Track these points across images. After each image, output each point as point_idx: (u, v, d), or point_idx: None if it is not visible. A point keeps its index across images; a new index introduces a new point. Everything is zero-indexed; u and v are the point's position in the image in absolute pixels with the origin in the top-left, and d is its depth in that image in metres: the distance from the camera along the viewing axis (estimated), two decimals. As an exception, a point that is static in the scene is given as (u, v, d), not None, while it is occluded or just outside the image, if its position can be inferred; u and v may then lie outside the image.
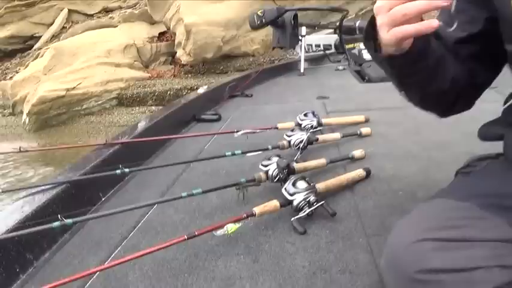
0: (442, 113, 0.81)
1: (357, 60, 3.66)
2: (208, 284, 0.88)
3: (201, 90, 2.58)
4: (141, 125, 1.85)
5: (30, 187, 1.23)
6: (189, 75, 6.48)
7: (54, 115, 5.88)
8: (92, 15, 10.93)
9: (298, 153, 1.53)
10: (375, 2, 0.59)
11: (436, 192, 0.71)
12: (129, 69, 6.24)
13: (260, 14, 2.98)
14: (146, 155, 1.69)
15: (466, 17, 0.72)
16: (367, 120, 1.94)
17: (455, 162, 0.84)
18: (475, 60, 0.73)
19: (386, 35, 0.58)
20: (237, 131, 1.71)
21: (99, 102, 5.91)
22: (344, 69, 3.62)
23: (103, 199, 1.37)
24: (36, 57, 7.35)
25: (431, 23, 0.53)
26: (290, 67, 3.74)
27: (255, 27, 3.08)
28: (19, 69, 8.49)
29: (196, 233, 0.95)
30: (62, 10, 10.65)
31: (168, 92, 5.72)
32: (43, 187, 1.21)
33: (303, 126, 1.80)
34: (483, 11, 0.70)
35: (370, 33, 0.64)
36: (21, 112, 6.24)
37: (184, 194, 1.15)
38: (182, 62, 6.26)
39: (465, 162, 0.80)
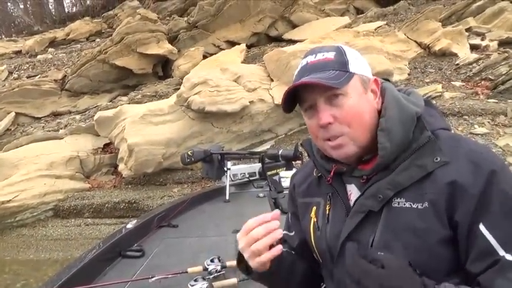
0: None
1: (276, 187, 4.19)
2: None
3: (129, 226, 2.88)
4: (68, 272, 2.08)
5: None
6: (130, 186, 6.75)
7: (-17, 228, 5.74)
8: (39, 119, 11.14)
9: (199, 301, 1.88)
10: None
11: None
12: (69, 180, 6.41)
13: (190, 154, 3.52)
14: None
15: (298, 227, 1.04)
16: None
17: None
18: (313, 258, 0.99)
19: (252, 263, 0.85)
20: (152, 277, 2.04)
21: (34, 214, 5.91)
22: (264, 196, 4.09)
23: None
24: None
25: (276, 248, 0.82)
26: (217, 193, 4.14)
27: (185, 164, 3.59)
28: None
29: None
30: (9, 113, 10.79)
31: (106, 205, 5.90)
32: None
33: (209, 270, 2.17)
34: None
35: (242, 259, 0.89)
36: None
37: None
38: (123, 176, 6.59)
39: None
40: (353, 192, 0.89)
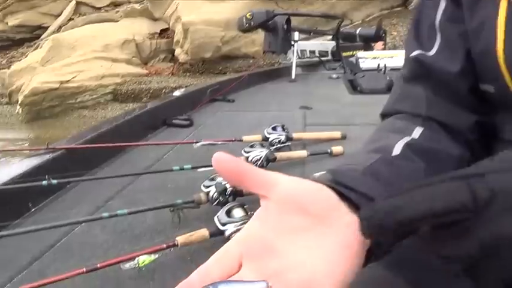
0: None
1: (353, 69, 3.51)
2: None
3: (177, 93, 2.46)
4: (99, 129, 1.72)
5: None
6: (188, 74, 6.39)
7: (46, 107, 5.81)
8: (99, 8, 10.90)
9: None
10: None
11: None
12: (126, 64, 6.16)
13: (249, 17, 2.87)
14: (95, 163, 1.56)
15: (449, 35, 0.45)
16: (343, 137, 1.79)
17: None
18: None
19: None
20: (196, 142, 1.59)
21: (94, 97, 5.84)
22: (338, 77, 3.47)
23: (33, 210, 1.25)
24: (36, 48, 7.31)
25: None
26: (281, 72, 3.60)
27: (243, 30, 2.96)
28: (23, 58, 8.49)
29: (98, 266, 0.83)
30: (70, 2, 10.65)
31: (164, 90, 5.64)
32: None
33: (270, 140, 1.66)
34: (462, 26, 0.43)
35: None
36: (17, 102, 6.21)
37: (105, 215, 1.02)
38: (180, 61, 6.18)
39: None
40: None
